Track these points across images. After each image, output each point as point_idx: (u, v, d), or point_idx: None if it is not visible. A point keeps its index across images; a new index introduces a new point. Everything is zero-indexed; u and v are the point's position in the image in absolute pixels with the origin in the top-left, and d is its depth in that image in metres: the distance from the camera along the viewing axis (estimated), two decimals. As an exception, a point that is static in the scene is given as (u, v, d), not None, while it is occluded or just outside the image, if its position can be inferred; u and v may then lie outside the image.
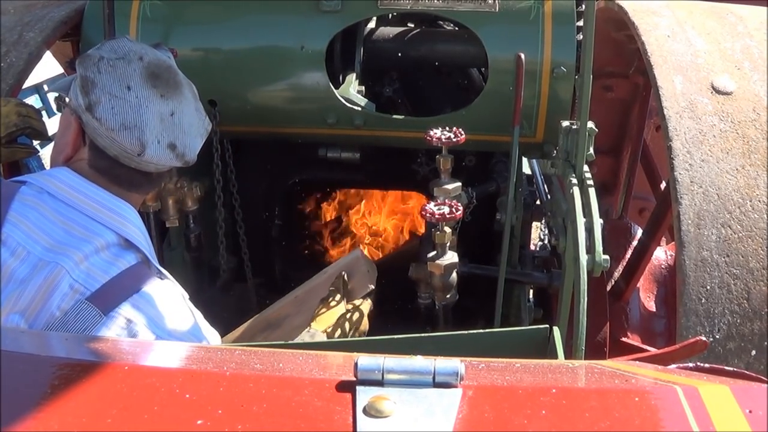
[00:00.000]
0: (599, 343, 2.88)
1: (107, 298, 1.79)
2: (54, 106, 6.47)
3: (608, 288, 3.10)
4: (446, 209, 2.33)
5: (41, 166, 6.09)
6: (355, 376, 0.97)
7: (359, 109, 2.77)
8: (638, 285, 3.17)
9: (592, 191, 2.28)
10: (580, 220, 2.23)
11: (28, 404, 0.95)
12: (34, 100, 7.02)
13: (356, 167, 3.23)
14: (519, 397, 1.00)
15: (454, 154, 2.49)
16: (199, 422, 0.91)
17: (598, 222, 2.22)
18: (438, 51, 3.01)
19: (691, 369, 1.32)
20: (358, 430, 0.90)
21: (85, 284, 1.79)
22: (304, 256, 4.06)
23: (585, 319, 2.12)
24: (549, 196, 2.87)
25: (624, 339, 3.04)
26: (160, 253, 2.83)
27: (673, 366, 1.35)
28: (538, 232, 4.11)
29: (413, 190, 3.87)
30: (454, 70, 3.19)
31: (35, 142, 2.91)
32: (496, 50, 2.68)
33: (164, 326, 1.83)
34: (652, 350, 2.68)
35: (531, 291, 3.21)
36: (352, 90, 2.81)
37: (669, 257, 3.26)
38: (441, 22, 3.15)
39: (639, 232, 3.27)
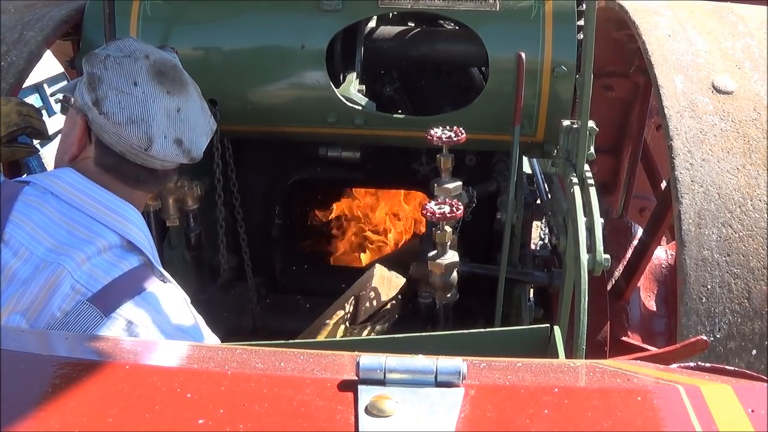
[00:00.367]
0: (600, 343, 2.88)
1: (108, 299, 1.78)
2: (55, 106, 6.47)
3: (609, 287, 3.10)
4: (447, 208, 2.33)
5: (41, 166, 6.10)
6: (357, 375, 0.97)
7: (360, 108, 2.77)
8: (639, 284, 3.17)
9: (592, 190, 2.28)
10: (581, 220, 2.23)
11: (29, 403, 0.95)
12: (34, 99, 7.01)
13: (357, 166, 3.23)
14: (521, 396, 1.00)
15: (455, 154, 2.49)
16: (200, 421, 0.91)
17: (598, 221, 2.22)
18: (438, 50, 3.00)
19: (692, 368, 1.32)
20: (359, 429, 0.90)
21: (87, 285, 1.78)
22: (304, 256, 4.06)
23: (585, 318, 2.12)
24: (549, 196, 2.87)
25: (624, 338, 3.04)
26: (160, 252, 2.83)
27: (674, 365, 1.35)
28: (538, 232, 4.11)
29: (414, 189, 3.88)
30: (455, 69, 3.19)
31: (35, 142, 2.91)
32: (497, 49, 2.68)
33: (165, 329, 1.82)
34: (653, 350, 2.67)
35: (531, 290, 3.21)
36: (352, 89, 2.80)
37: (669, 256, 3.26)
38: (441, 22, 3.14)
39: (639, 232, 3.27)
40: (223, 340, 2.14)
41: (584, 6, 2.59)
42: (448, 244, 2.42)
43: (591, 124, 2.29)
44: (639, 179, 3.82)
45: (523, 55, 2.60)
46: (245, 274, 3.21)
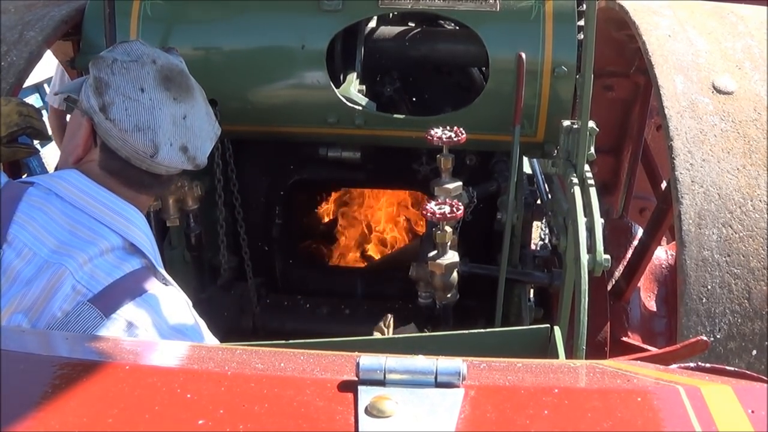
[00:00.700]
0: (600, 343, 2.88)
1: (109, 300, 1.78)
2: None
3: (609, 288, 3.09)
4: (447, 209, 2.33)
5: (41, 166, 6.10)
6: (357, 375, 0.97)
7: (360, 108, 2.77)
8: (639, 285, 3.17)
9: (592, 191, 2.28)
10: (581, 220, 2.23)
11: (29, 404, 0.95)
12: (34, 100, 7.01)
13: (357, 166, 3.23)
14: (521, 397, 1.00)
15: (455, 154, 2.49)
16: (200, 422, 0.91)
17: (598, 221, 2.22)
18: (439, 50, 3.00)
19: (692, 369, 1.32)
20: (359, 430, 0.90)
21: (88, 286, 1.79)
22: (304, 256, 4.06)
23: (586, 318, 2.12)
24: (550, 196, 2.87)
25: (625, 339, 3.04)
26: (161, 253, 2.83)
27: (674, 366, 1.35)
28: (538, 232, 4.11)
29: (414, 190, 3.87)
30: (455, 69, 3.19)
31: (35, 142, 2.91)
32: (497, 50, 2.68)
33: (165, 332, 1.82)
34: (653, 350, 2.67)
35: (531, 290, 3.21)
36: (352, 89, 2.80)
37: (670, 257, 3.26)
38: (442, 22, 3.14)
39: (640, 232, 3.26)
40: (223, 340, 2.14)
41: (584, 6, 2.59)
42: (449, 244, 2.42)
43: (591, 124, 2.29)
44: (639, 179, 3.82)
45: (524, 55, 2.59)
46: (245, 274, 3.21)
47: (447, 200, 2.37)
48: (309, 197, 4.17)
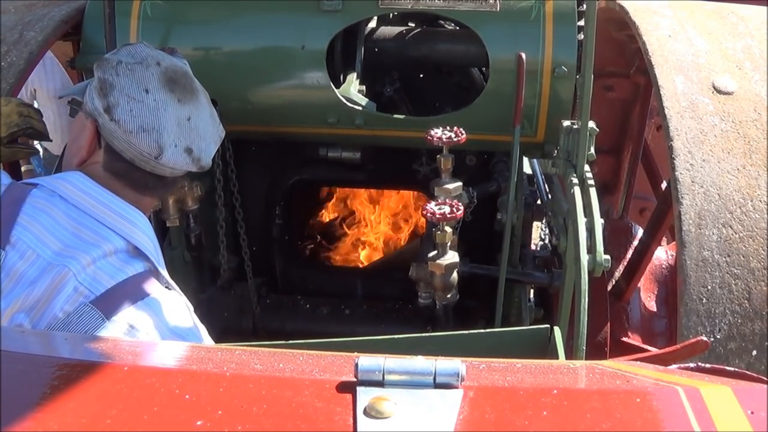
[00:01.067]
0: (600, 343, 2.88)
1: (111, 302, 1.78)
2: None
3: (609, 288, 3.09)
4: (447, 209, 2.33)
5: (40, 166, 6.10)
6: (356, 376, 0.97)
7: (360, 108, 2.77)
8: (639, 285, 3.17)
9: (593, 191, 2.28)
10: (581, 220, 2.23)
11: (27, 404, 0.95)
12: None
13: (357, 167, 3.23)
14: (520, 397, 1.00)
15: (455, 154, 2.49)
16: (198, 423, 0.91)
17: (599, 222, 2.22)
18: (439, 50, 3.00)
19: (692, 369, 1.32)
20: (358, 430, 0.90)
21: (90, 287, 1.78)
22: (304, 256, 4.06)
23: (586, 319, 2.12)
24: (550, 196, 2.87)
25: (625, 339, 3.04)
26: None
27: (674, 366, 1.35)
28: (538, 232, 4.11)
29: (414, 190, 3.87)
30: (455, 69, 3.19)
31: (34, 142, 2.91)
32: (497, 50, 2.67)
33: (166, 336, 1.82)
34: (653, 350, 2.67)
35: (531, 291, 3.21)
36: (352, 89, 2.80)
37: (670, 257, 3.26)
38: (442, 22, 3.14)
39: (640, 232, 3.26)
40: (223, 341, 2.14)
41: (585, 6, 2.58)
42: (448, 244, 2.42)
43: (591, 124, 2.29)
44: (639, 180, 3.82)
45: (524, 55, 2.59)
46: (245, 275, 3.21)
47: (447, 200, 2.37)
48: (309, 197, 4.17)
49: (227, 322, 3.21)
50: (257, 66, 2.77)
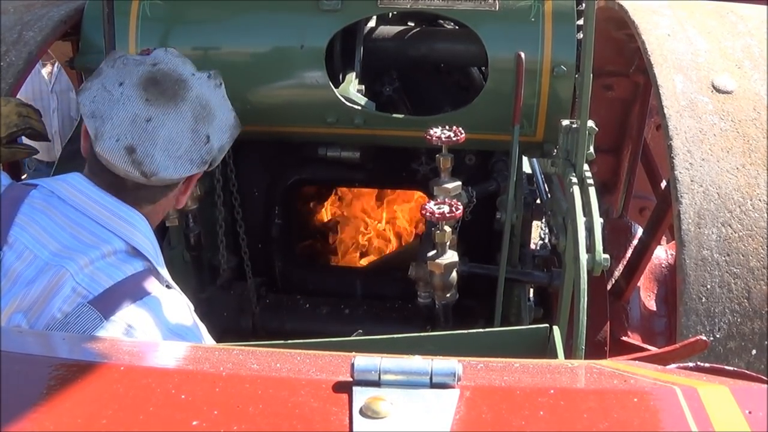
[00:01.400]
0: (599, 343, 2.88)
1: (109, 302, 1.77)
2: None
3: (608, 287, 3.09)
4: (446, 208, 2.32)
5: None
6: (352, 376, 0.97)
7: (359, 108, 2.77)
8: (638, 284, 3.17)
9: (592, 190, 2.28)
10: (580, 219, 2.23)
11: (24, 404, 0.95)
12: (33, 100, 7.03)
13: (356, 166, 3.22)
14: (517, 397, 1.00)
15: (454, 153, 2.48)
16: (194, 423, 0.91)
17: (598, 221, 2.22)
18: (438, 50, 3.00)
19: (691, 369, 1.32)
20: (354, 430, 0.90)
21: (88, 288, 1.77)
22: (304, 255, 4.06)
23: (585, 318, 2.11)
24: (549, 195, 2.86)
25: (624, 338, 3.04)
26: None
27: (673, 366, 1.35)
28: (538, 231, 4.11)
29: (413, 189, 3.87)
30: (454, 69, 3.19)
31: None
32: (496, 49, 2.67)
33: (165, 335, 1.80)
34: (653, 349, 2.67)
35: (531, 290, 3.20)
36: (351, 89, 2.80)
37: (669, 256, 3.26)
38: (441, 21, 3.14)
39: (639, 231, 3.26)
40: (223, 340, 2.14)
41: (584, 5, 2.58)
42: (448, 243, 2.42)
43: (590, 123, 2.29)
44: (639, 179, 3.82)
45: (523, 54, 2.59)
46: (245, 274, 3.21)
47: (446, 200, 2.37)
48: (308, 197, 4.17)
49: (227, 321, 3.20)
50: (256, 65, 2.77)
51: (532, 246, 3.24)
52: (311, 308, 3.32)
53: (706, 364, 1.33)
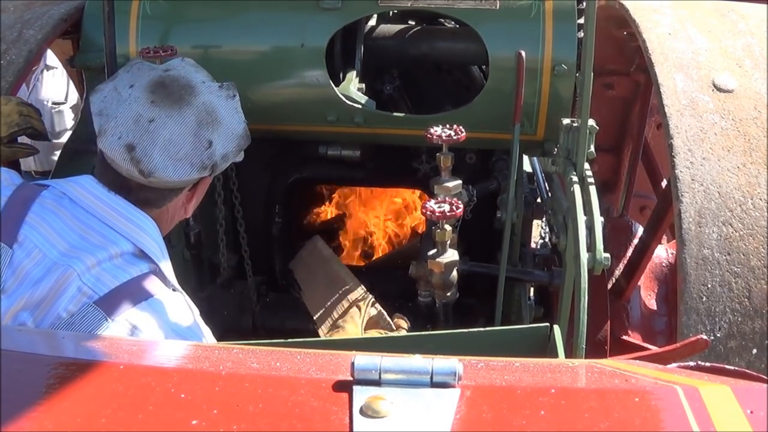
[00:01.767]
0: (600, 342, 2.88)
1: (114, 303, 1.78)
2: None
3: (609, 286, 3.09)
4: (447, 207, 2.32)
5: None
6: (352, 375, 0.97)
7: (359, 106, 2.76)
8: (639, 283, 3.16)
9: (592, 189, 2.27)
10: (581, 218, 2.23)
11: (23, 403, 0.95)
12: (34, 99, 7.02)
13: (356, 165, 3.22)
14: (517, 397, 1.00)
15: (455, 152, 2.48)
16: (194, 422, 0.90)
17: (598, 220, 2.21)
18: (439, 49, 2.99)
19: (691, 368, 1.32)
20: (354, 430, 0.90)
21: (94, 288, 1.79)
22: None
23: (586, 317, 2.11)
24: (550, 194, 2.86)
25: (625, 337, 3.04)
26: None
27: (673, 365, 1.34)
28: (538, 230, 4.11)
29: (413, 188, 3.87)
30: (455, 67, 3.18)
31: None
32: (497, 48, 2.66)
33: (170, 336, 1.81)
34: (653, 349, 2.67)
35: (531, 289, 3.20)
36: (352, 88, 2.80)
37: (670, 255, 3.26)
38: (442, 20, 3.14)
39: (640, 231, 3.26)
40: (223, 339, 2.13)
41: (584, 4, 2.58)
42: (448, 242, 2.42)
43: (591, 122, 2.29)
44: (639, 178, 3.82)
45: (523, 53, 2.58)
46: (245, 273, 3.20)
47: (447, 198, 2.36)
48: (309, 196, 4.17)
49: (227, 320, 3.20)
50: (257, 64, 2.76)
51: (533, 245, 3.24)
52: (311, 307, 3.31)
53: (707, 364, 1.33)
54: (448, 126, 2.42)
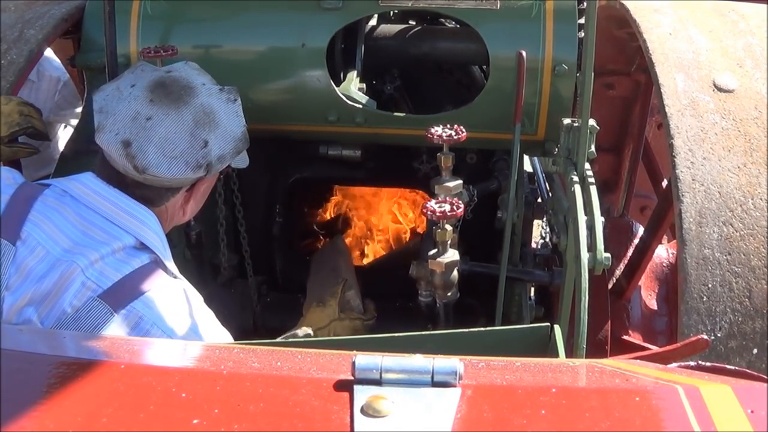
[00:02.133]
0: (600, 342, 2.88)
1: (118, 295, 1.82)
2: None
3: (609, 286, 3.09)
4: (447, 207, 2.32)
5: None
6: (353, 375, 0.97)
7: (360, 106, 2.76)
8: (640, 283, 3.16)
9: (593, 189, 2.27)
10: (582, 218, 2.23)
11: (24, 403, 0.95)
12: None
13: (357, 165, 3.22)
14: (518, 396, 1.00)
15: (455, 152, 2.48)
16: (195, 421, 0.90)
17: (599, 220, 2.21)
18: (439, 48, 3.00)
19: (692, 368, 1.32)
20: (355, 429, 0.90)
21: (98, 282, 1.82)
22: (305, 254, 4.05)
23: (586, 317, 2.11)
24: (550, 194, 2.86)
25: (625, 337, 3.04)
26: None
27: (674, 365, 1.34)
28: (539, 230, 4.11)
29: (414, 188, 3.87)
30: (456, 67, 3.18)
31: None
32: (498, 48, 2.66)
33: (174, 324, 1.85)
34: (654, 348, 2.67)
35: (532, 289, 3.20)
36: (353, 87, 2.79)
37: (670, 255, 3.26)
38: (442, 20, 3.13)
39: (640, 230, 3.26)
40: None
41: (585, 4, 2.58)
42: (449, 242, 2.41)
43: (592, 122, 2.29)
44: (640, 178, 3.82)
45: (524, 53, 2.59)
46: (246, 273, 3.20)
47: (447, 198, 2.36)
48: (309, 195, 4.17)
49: (227, 320, 3.19)
50: (257, 64, 2.76)
51: (533, 245, 3.24)
52: (312, 307, 3.31)
53: (708, 363, 1.33)
54: (448, 126, 2.42)
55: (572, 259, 2.25)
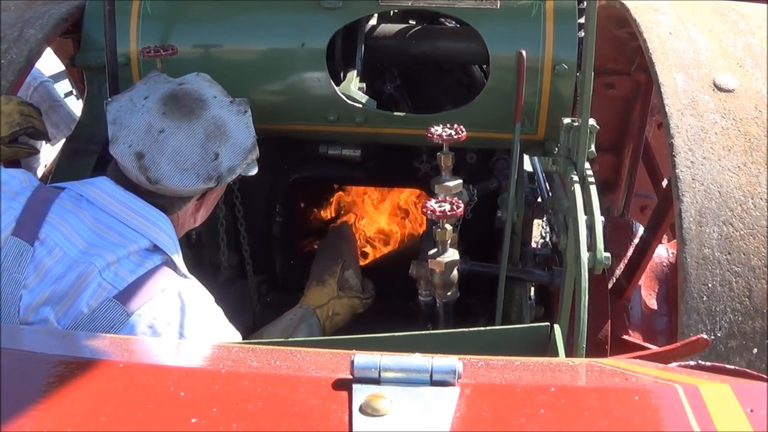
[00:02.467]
0: (600, 341, 2.88)
1: (133, 296, 1.88)
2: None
3: (609, 286, 3.09)
4: (447, 206, 2.32)
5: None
6: (352, 374, 0.97)
7: (360, 106, 2.76)
8: (640, 283, 3.16)
9: (593, 189, 2.27)
10: (582, 218, 2.23)
11: (23, 402, 0.95)
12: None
13: (357, 164, 3.22)
14: (517, 395, 0.99)
15: (455, 152, 2.47)
16: (193, 420, 0.90)
17: (599, 219, 2.21)
18: (439, 48, 2.99)
19: (692, 367, 1.31)
20: (353, 428, 0.90)
21: (113, 283, 1.89)
22: (305, 254, 4.05)
23: (586, 316, 2.11)
24: (550, 194, 2.86)
25: (625, 337, 3.03)
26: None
27: (674, 364, 1.34)
28: (539, 230, 4.11)
29: (414, 188, 3.87)
30: (456, 67, 3.18)
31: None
32: (498, 47, 2.66)
33: (187, 324, 1.91)
34: (654, 348, 2.67)
35: (532, 289, 3.20)
36: (353, 87, 2.79)
37: (670, 255, 3.25)
38: (442, 19, 3.13)
39: (640, 230, 3.26)
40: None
41: (585, 4, 2.58)
42: (449, 242, 2.41)
43: (592, 122, 2.29)
44: (640, 177, 3.82)
45: (524, 52, 2.58)
46: (246, 272, 3.20)
47: (447, 198, 2.36)
48: (309, 195, 4.16)
49: (227, 318, 3.20)
50: (257, 64, 2.76)
51: (533, 244, 3.24)
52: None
53: (707, 363, 1.33)
54: (448, 125, 2.42)
55: (572, 258, 2.25)
